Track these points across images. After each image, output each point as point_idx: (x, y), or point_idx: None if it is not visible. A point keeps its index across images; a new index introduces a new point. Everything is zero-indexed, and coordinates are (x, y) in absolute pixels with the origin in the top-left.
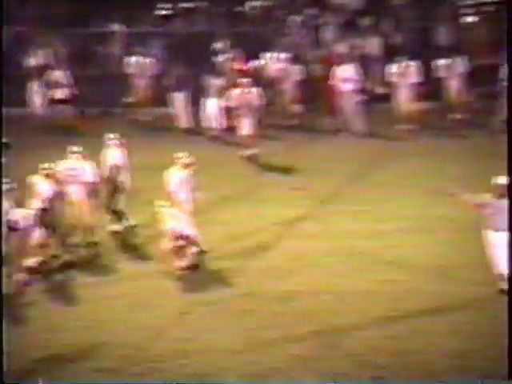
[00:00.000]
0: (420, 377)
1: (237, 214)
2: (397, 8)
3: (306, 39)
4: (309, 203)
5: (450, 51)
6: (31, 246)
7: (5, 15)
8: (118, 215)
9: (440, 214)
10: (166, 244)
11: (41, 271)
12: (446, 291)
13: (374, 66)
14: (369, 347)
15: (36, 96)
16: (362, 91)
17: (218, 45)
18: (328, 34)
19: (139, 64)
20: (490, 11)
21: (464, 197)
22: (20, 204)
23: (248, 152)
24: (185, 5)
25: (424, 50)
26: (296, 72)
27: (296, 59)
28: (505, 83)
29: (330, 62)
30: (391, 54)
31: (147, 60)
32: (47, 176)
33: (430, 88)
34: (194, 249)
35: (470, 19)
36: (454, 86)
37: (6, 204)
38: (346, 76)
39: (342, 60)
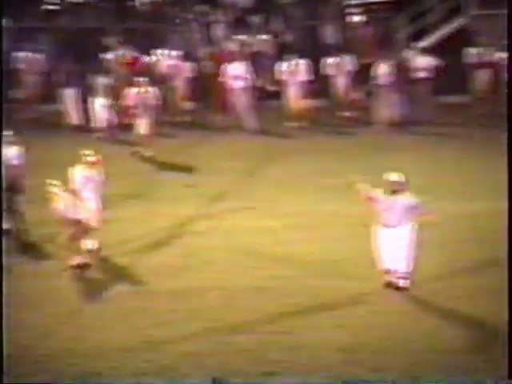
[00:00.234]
0: (309, 371)
1: (130, 212)
2: (286, 6)
3: (196, 36)
4: (202, 200)
5: (338, 50)
6: None
7: None
8: (13, 215)
9: (330, 211)
10: (61, 232)
11: None
12: (335, 286)
13: (264, 63)
14: (260, 343)
15: None
16: (253, 88)
17: (108, 41)
18: (219, 31)
19: (28, 59)
20: (376, 10)
21: (360, 187)
22: None
23: (146, 152)
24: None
25: (313, 49)
26: (187, 69)
27: (187, 56)
28: (376, 81)
29: (221, 59)
30: (281, 51)
31: (36, 55)
32: None
33: (319, 86)
34: (88, 245)
35: (356, 18)
36: (341, 83)
37: None
38: (236, 73)
39: (232, 57)
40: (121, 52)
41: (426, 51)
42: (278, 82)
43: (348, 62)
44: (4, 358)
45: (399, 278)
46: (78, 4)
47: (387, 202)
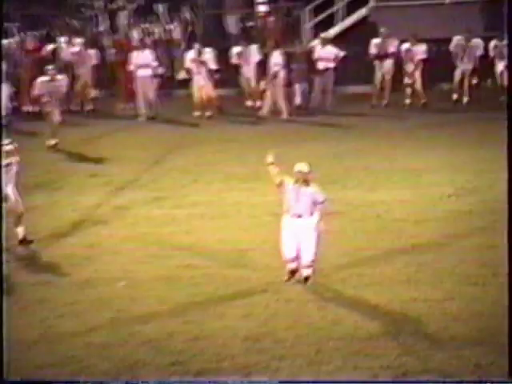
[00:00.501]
0: (218, 361)
1: (34, 202)
2: None
3: (102, 23)
4: (107, 190)
5: (244, 39)
6: None
7: None
8: None
9: (237, 200)
10: None
11: None
12: (241, 276)
13: (173, 52)
14: (167, 333)
15: None
16: (160, 77)
17: (8, 27)
18: (124, 19)
19: None
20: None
21: (274, 171)
22: None
23: (52, 141)
24: None
25: (220, 38)
26: (92, 56)
27: (92, 43)
28: (277, 68)
29: (126, 47)
30: (189, 40)
31: None
32: None
33: (227, 75)
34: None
35: (262, 8)
36: (248, 73)
37: None
38: (141, 62)
39: (137, 46)
40: (23, 38)
41: (329, 41)
42: (187, 71)
43: (254, 52)
44: None
45: (304, 267)
46: None
47: (295, 191)
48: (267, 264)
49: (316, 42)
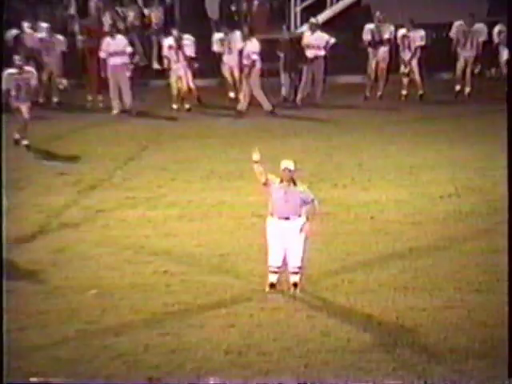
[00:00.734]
0: (196, 374)
1: None
2: None
3: (70, 6)
4: (76, 189)
5: (227, 25)
6: None
7: None
8: None
9: (218, 200)
10: None
11: None
12: (222, 283)
13: (149, 38)
14: (141, 346)
15: None
16: (136, 66)
17: None
18: (95, 3)
19: None
20: None
21: (259, 170)
22: None
23: (25, 141)
24: None
25: (201, 23)
26: (59, 43)
27: (59, 29)
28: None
29: (98, 32)
30: (167, 25)
31: None
32: None
33: (209, 64)
34: None
35: None
36: (231, 61)
37: None
38: (115, 49)
39: (111, 31)
40: None
41: (320, 27)
42: (166, 60)
43: (237, 39)
44: None
45: (291, 273)
46: None
47: (282, 191)
48: (251, 270)
49: (305, 28)
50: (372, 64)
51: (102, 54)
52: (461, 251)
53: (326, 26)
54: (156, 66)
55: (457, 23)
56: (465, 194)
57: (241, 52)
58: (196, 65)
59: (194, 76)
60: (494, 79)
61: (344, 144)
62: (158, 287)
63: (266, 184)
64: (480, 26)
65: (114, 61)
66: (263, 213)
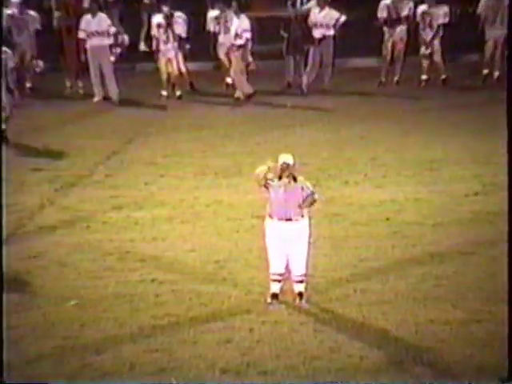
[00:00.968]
0: None
1: None
2: None
3: None
4: (53, 187)
5: (223, 1)
6: None
7: None
8: None
9: (213, 199)
10: None
11: None
12: (218, 292)
13: (135, 15)
14: (126, 364)
15: None
16: (120, 47)
17: None
18: None
19: None
20: None
21: (263, 175)
22: None
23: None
24: None
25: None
26: (33, 21)
27: (33, 5)
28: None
29: (76, 8)
30: (156, 1)
31: None
32: None
33: (202, 45)
34: None
35: None
36: (228, 43)
37: None
38: (96, 28)
39: (91, 7)
40: None
41: (328, 3)
42: (154, 40)
43: (235, 17)
44: None
45: (295, 282)
46: None
47: (282, 189)
48: (251, 278)
49: (312, 4)
50: (388, 45)
51: (82, 34)
52: (488, 256)
53: (335, 2)
54: (143, 47)
55: None
56: (492, 192)
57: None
58: (188, 46)
59: (186, 59)
60: None
61: (356, 136)
62: (146, 298)
63: (266, 186)
64: None
65: (94, 42)
66: (264, 213)
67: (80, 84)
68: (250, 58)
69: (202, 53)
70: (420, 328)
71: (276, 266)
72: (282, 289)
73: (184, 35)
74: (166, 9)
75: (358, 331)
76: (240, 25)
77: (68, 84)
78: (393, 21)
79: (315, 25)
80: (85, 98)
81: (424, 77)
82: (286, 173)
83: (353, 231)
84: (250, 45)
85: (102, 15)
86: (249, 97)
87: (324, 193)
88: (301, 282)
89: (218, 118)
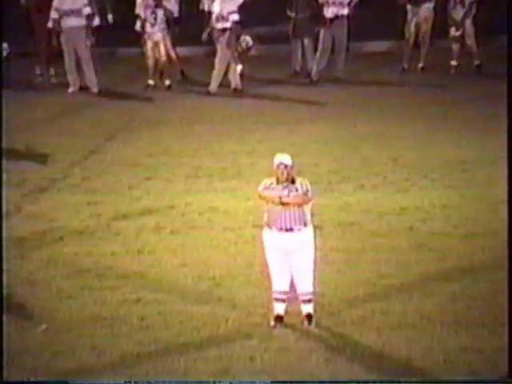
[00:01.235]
0: None
1: None
2: None
3: None
4: (19, 192)
5: None
6: None
7: None
8: None
9: (208, 206)
10: None
11: None
12: (216, 314)
13: None
14: None
15: None
16: (98, 29)
17: None
18: None
19: None
20: None
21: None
22: None
23: None
24: None
25: None
26: None
27: None
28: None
29: None
30: None
31: None
32: None
33: (194, 27)
34: None
35: None
36: (224, 24)
37: None
38: (70, 7)
39: None
40: None
41: None
42: (139, 21)
43: None
44: None
45: (302, 301)
46: None
47: (278, 194)
48: (252, 297)
49: None
50: (411, 26)
51: (54, 14)
52: None
53: None
54: (138, 27)
55: None
56: None
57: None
58: (178, 28)
59: (176, 43)
60: None
61: (374, 132)
62: (129, 321)
63: (265, 192)
64: None
65: (69, 22)
66: (263, 223)
67: (52, 71)
68: (251, 42)
69: (195, 36)
70: (449, 357)
71: (279, 284)
72: (287, 310)
73: (175, 15)
74: None
75: (377, 360)
76: (225, 5)
77: (38, 71)
78: None
79: (327, 2)
80: (58, 87)
81: (454, 63)
82: (284, 175)
83: (370, 243)
84: (238, 29)
85: None
86: (208, 92)
87: (337, 198)
88: (309, 301)
89: (213, 112)
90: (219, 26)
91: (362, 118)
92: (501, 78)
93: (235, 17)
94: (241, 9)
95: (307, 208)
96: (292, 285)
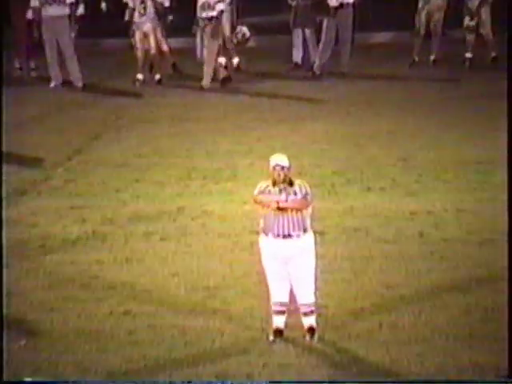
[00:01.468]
0: None
1: None
2: None
3: None
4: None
5: None
6: None
7: None
8: None
9: (202, 209)
10: None
11: None
12: (210, 328)
13: None
14: None
15: None
16: (83, 19)
17: None
18: None
19: None
20: None
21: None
22: None
23: None
24: None
25: None
26: None
27: None
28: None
29: None
30: None
31: None
32: None
33: (187, 17)
34: None
35: None
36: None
37: None
38: None
39: None
40: None
41: None
42: (128, 9)
43: None
44: None
45: (303, 313)
46: None
47: (275, 198)
48: (249, 309)
49: None
50: (423, 14)
51: (34, 2)
52: None
53: None
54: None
55: None
56: None
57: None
58: (170, 17)
59: (168, 34)
60: None
61: (381, 130)
62: (116, 335)
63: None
64: None
65: (50, 11)
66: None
67: (32, 65)
68: (248, 33)
69: (188, 26)
70: (464, 374)
71: (278, 295)
72: (287, 323)
73: (166, 4)
74: None
75: (385, 378)
76: None
77: (17, 65)
78: None
79: None
80: (39, 82)
81: (468, 55)
82: (281, 177)
83: (377, 250)
84: (226, 18)
85: None
86: (201, 87)
87: (341, 202)
88: (311, 313)
89: (207, 108)
90: (204, 14)
91: (368, 114)
92: None
93: (221, 6)
94: None
95: (307, 213)
96: (292, 296)
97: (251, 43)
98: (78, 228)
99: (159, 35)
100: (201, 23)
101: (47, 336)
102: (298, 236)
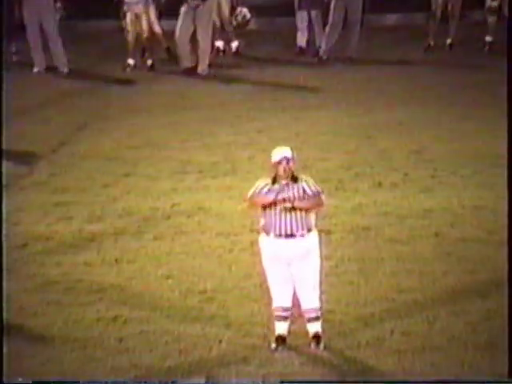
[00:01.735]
0: None
1: None
2: None
3: None
4: None
5: None
6: None
7: None
8: None
9: (198, 206)
10: None
11: None
12: (208, 335)
13: None
14: None
15: None
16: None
17: None
18: None
19: None
20: None
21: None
22: None
23: None
24: None
25: None
26: None
27: None
28: None
29: None
30: None
31: None
32: None
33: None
34: None
35: None
36: None
37: None
38: None
39: None
40: None
41: None
42: None
43: None
44: None
45: (308, 319)
46: None
47: (280, 196)
48: (249, 315)
49: None
50: None
51: None
52: None
53: None
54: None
55: None
56: None
57: None
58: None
59: (161, 15)
60: None
61: (393, 120)
62: (105, 342)
63: (255, 198)
64: None
65: None
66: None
67: (13, 49)
68: (248, 15)
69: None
70: None
71: (280, 299)
72: (290, 330)
73: None
74: None
75: None
76: None
77: (12, 52)
78: None
79: None
80: (21, 67)
81: (489, 38)
82: (286, 173)
83: (389, 251)
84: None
85: None
86: (184, 71)
87: (349, 198)
88: (316, 319)
89: (204, 96)
90: None
91: (379, 103)
92: None
93: None
94: None
95: (311, 210)
96: (296, 300)
97: (252, 25)
98: (63, 226)
99: (152, 17)
100: (191, 3)
101: (30, 343)
102: (302, 235)
